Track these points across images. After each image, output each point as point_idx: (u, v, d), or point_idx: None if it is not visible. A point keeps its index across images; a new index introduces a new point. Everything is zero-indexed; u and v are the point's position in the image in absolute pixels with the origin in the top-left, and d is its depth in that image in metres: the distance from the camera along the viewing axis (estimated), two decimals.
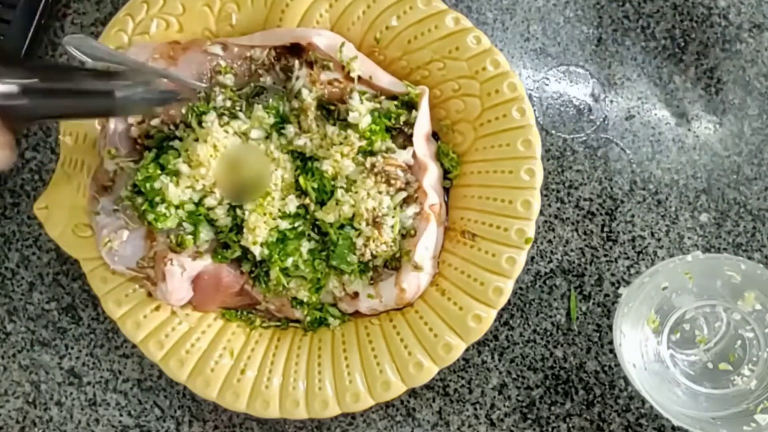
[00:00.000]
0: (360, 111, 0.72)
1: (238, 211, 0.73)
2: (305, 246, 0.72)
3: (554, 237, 0.78)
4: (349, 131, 0.72)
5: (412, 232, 0.72)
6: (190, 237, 0.73)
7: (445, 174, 0.75)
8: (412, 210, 0.72)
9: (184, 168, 0.72)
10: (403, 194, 0.72)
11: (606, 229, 0.78)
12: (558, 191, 0.79)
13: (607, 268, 0.78)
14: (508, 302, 0.72)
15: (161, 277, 0.72)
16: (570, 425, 0.76)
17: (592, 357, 0.77)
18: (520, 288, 0.78)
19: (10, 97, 0.63)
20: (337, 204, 0.72)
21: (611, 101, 0.80)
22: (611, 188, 0.79)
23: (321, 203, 0.73)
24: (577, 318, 0.77)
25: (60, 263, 0.81)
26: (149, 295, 0.75)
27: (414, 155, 0.73)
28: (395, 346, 0.72)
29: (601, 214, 0.78)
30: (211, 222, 0.73)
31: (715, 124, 0.79)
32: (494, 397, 0.77)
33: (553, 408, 0.77)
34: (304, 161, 0.74)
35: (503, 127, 0.73)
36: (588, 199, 0.78)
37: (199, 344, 0.74)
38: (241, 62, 0.76)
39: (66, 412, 0.80)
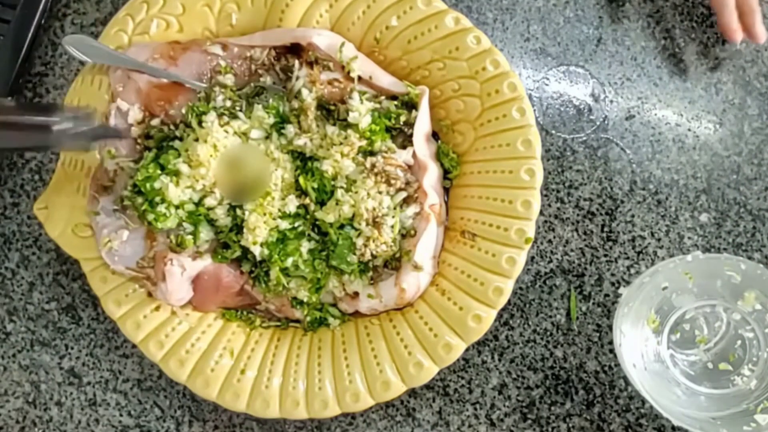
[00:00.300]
0: (360, 111, 0.72)
1: (238, 211, 0.73)
2: (305, 246, 0.72)
3: (554, 237, 0.78)
4: (349, 131, 0.72)
5: (412, 232, 0.72)
6: (190, 237, 0.73)
7: (445, 174, 0.75)
8: (412, 210, 0.72)
9: (184, 168, 0.72)
10: (403, 194, 0.72)
11: (606, 229, 0.78)
12: (558, 191, 0.79)
13: (607, 268, 0.78)
14: (508, 302, 0.73)
15: (161, 277, 0.72)
16: (570, 425, 0.76)
17: (592, 357, 0.77)
18: (520, 288, 0.78)
19: None
20: (337, 204, 0.72)
21: (611, 101, 0.80)
22: (611, 188, 0.79)
23: (321, 203, 0.73)
24: (577, 318, 0.77)
25: (60, 263, 0.81)
26: (149, 295, 0.75)
27: (414, 155, 0.73)
28: (395, 346, 0.72)
29: (601, 214, 0.78)
30: (211, 222, 0.73)
31: (715, 124, 0.79)
32: (494, 397, 0.77)
33: (553, 408, 0.76)
34: (304, 161, 0.74)
35: (503, 127, 0.73)
36: (588, 199, 0.78)
37: (199, 344, 0.74)
38: (241, 62, 0.76)
39: (66, 412, 0.80)
